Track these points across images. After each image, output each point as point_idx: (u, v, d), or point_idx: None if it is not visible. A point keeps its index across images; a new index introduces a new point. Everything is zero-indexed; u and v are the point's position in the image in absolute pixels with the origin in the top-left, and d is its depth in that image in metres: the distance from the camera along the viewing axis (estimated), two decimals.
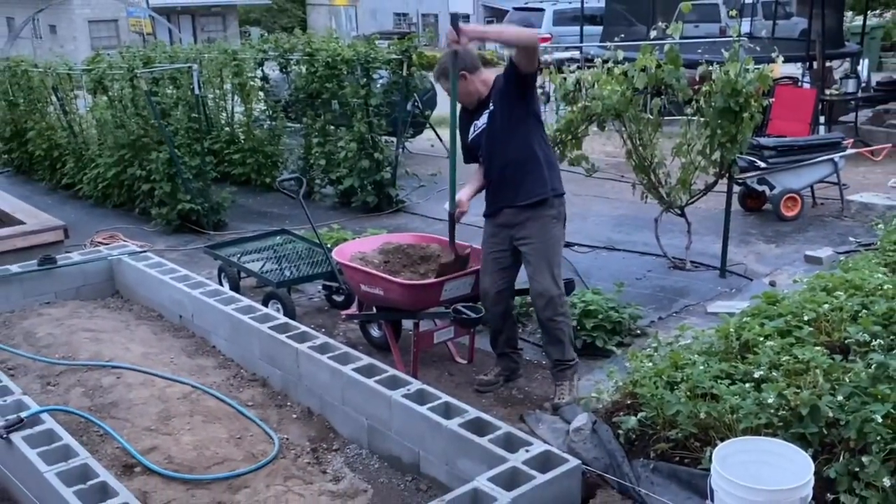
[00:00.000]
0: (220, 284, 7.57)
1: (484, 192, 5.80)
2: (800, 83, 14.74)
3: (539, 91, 8.48)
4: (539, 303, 5.54)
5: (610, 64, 8.00)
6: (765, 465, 3.75)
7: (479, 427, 4.63)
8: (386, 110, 11.15)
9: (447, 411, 4.80)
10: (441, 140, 14.85)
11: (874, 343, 4.52)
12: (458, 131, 5.72)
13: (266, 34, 18.96)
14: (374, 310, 6.21)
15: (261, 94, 13.14)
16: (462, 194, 5.72)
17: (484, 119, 5.57)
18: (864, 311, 5.04)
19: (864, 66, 16.27)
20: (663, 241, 8.36)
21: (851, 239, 8.84)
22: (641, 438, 4.50)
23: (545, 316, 5.54)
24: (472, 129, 5.67)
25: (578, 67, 8.76)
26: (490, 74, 5.61)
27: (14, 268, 7.49)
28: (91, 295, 7.73)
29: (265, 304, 6.90)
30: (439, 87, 5.90)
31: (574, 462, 4.32)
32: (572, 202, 5.67)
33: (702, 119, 7.68)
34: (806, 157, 9.79)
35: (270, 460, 4.90)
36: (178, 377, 5.75)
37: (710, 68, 7.43)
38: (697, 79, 7.68)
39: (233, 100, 13.59)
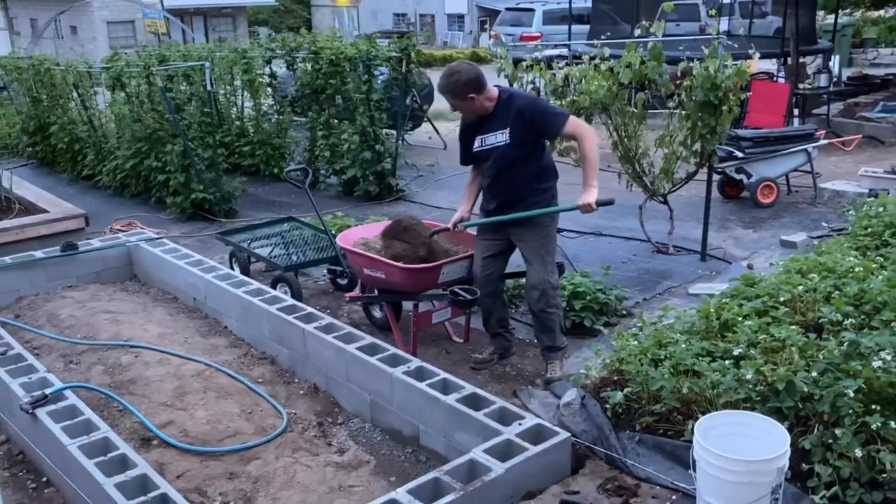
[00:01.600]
0: (232, 269, 7.55)
1: (485, 188, 5.67)
2: (775, 78, 14.70)
3: (530, 87, 8.48)
4: (533, 294, 5.48)
5: (597, 60, 7.96)
6: (744, 438, 3.75)
7: (474, 402, 4.62)
8: (386, 105, 11.11)
9: (445, 387, 4.79)
10: (438, 133, 14.83)
11: (846, 322, 4.53)
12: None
13: (273, 34, 18.87)
14: (376, 292, 6.19)
15: (269, 89, 13.09)
16: (459, 215, 5.76)
17: (496, 138, 5.37)
18: (837, 292, 5.04)
19: (835, 62, 16.23)
20: (647, 227, 8.34)
21: (824, 224, 8.82)
22: (627, 412, 4.49)
23: (538, 307, 5.50)
24: (477, 141, 5.47)
25: (567, 64, 8.70)
26: (494, 88, 5.42)
27: (38, 253, 7.49)
28: (111, 279, 7.72)
29: (273, 287, 6.87)
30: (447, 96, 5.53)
31: (564, 435, 4.32)
32: (562, 191, 5.62)
33: (683, 112, 7.66)
34: (781, 148, 9.77)
35: (279, 433, 4.90)
36: (192, 356, 5.74)
37: (691, 64, 7.40)
38: (679, 74, 7.65)
39: (242, 95, 13.54)
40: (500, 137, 5.35)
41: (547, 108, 5.55)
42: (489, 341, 5.98)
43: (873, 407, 3.73)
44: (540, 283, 5.43)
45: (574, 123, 5.34)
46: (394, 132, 11.48)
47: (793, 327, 4.56)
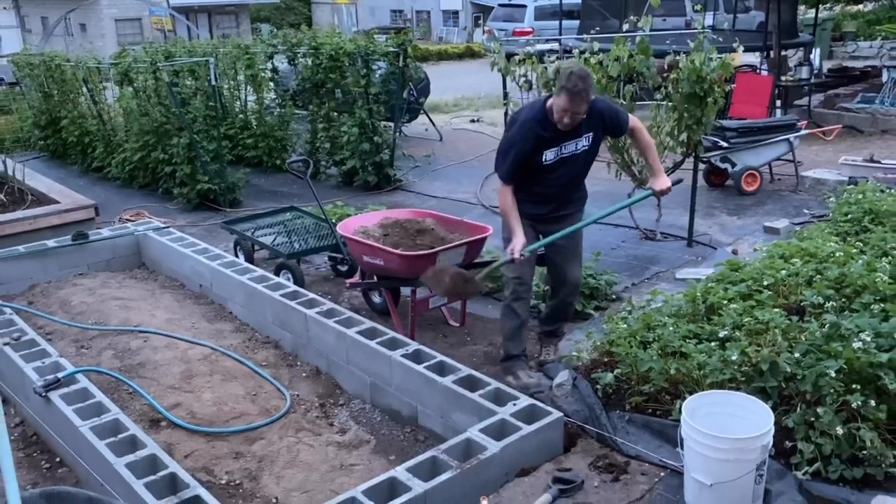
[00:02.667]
0: (236, 256, 7.53)
1: (544, 196, 5.16)
2: (758, 71, 14.66)
3: (522, 80, 8.46)
4: (569, 289, 5.43)
5: (587, 54, 7.93)
6: (729, 417, 3.75)
7: (470, 383, 4.62)
8: (384, 98, 11.09)
9: (442, 369, 4.78)
10: (434, 125, 14.79)
11: (827, 305, 4.52)
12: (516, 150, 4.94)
13: (275, 30, 18.78)
14: (375, 278, 6.18)
15: (271, 84, 13.04)
16: (518, 244, 4.87)
17: (576, 145, 4.98)
18: (818, 276, 5.03)
19: (816, 55, 16.20)
20: (636, 214, 8.32)
21: (806, 211, 8.81)
22: (617, 393, 4.48)
23: (569, 300, 5.49)
24: (552, 153, 4.95)
25: (558, 58, 8.68)
26: None
27: (50, 243, 7.47)
28: (120, 267, 7.70)
29: (277, 273, 6.86)
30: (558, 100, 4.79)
31: (557, 414, 4.32)
32: None
33: (670, 103, 7.64)
34: (764, 138, 9.74)
35: (283, 415, 4.89)
36: (198, 340, 5.73)
37: (678, 58, 7.37)
38: (666, 67, 7.63)
39: (246, 90, 13.48)
40: (582, 143, 5.01)
41: (616, 106, 5.34)
42: (545, 344, 5.66)
43: (854, 386, 3.73)
44: (578, 279, 5.46)
45: (633, 118, 5.22)
46: (391, 124, 11.45)
47: (776, 310, 4.55)
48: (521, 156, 4.92)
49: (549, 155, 4.97)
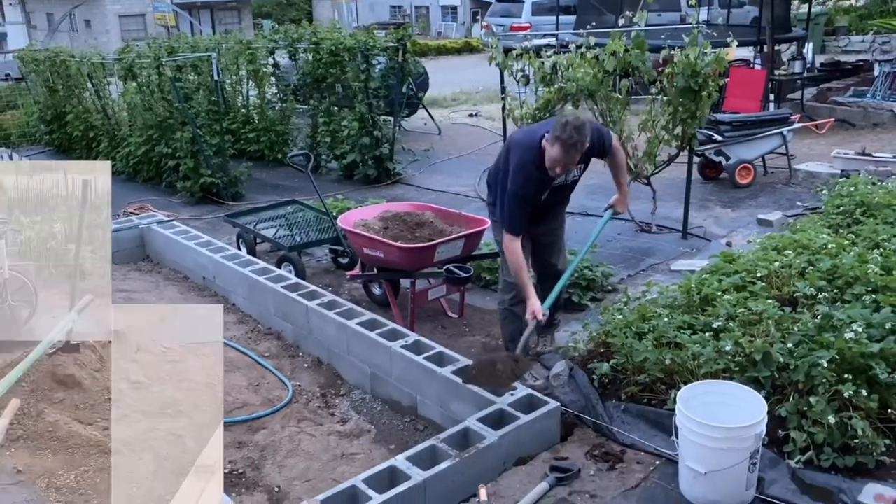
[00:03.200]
0: (239, 249, 7.52)
1: (540, 222, 5.09)
2: (752, 65, 14.63)
3: (520, 74, 8.42)
4: (555, 280, 5.32)
5: (583, 49, 7.90)
6: (723, 406, 3.75)
7: None
8: (384, 92, 11.06)
9: (441, 360, 4.79)
10: (433, 119, 14.77)
11: (820, 296, 4.52)
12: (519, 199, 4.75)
13: (277, 26, 18.74)
14: (376, 271, 6.17)
15: (272, 79, 13.00)
16: (536, 305, 4.66)
17: (567, 178, 4.87)
18: (811, 267, 5.02)
19: (809, 50, 16.13)
20: (631, 207, 8.27)
21: (799, 204, 8.79)
22: (613, 383, 4.49)
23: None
24: (551, 190, 4.86)
25: (555, 52, 8.63)
26: None
27: None
28: (124, 259, 7.70)
29: (278, 266, 6.85)
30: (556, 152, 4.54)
31: (554, 404, 4.32)
32: None
33: (665, 98, 7.61)
34: (758, 131, 9.72)
35: (285, 405, 4.90)
36: None
37: (673, 52, 7.35)
38: (661, 62, 7.60)
39: (248, 84, 13.45)
40: (573, 173, 4.89)
41: (602, 129, 5.13)
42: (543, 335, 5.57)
43: (845, 376, 3.73)
44: (563, 269, 5.35)
45: (615, 138, 5.10)
46: (391, 118, 11.43)
47: (769, 301, 4.55)
48: (527, 205, 4.77)
49: (546, 194, 4.87)
